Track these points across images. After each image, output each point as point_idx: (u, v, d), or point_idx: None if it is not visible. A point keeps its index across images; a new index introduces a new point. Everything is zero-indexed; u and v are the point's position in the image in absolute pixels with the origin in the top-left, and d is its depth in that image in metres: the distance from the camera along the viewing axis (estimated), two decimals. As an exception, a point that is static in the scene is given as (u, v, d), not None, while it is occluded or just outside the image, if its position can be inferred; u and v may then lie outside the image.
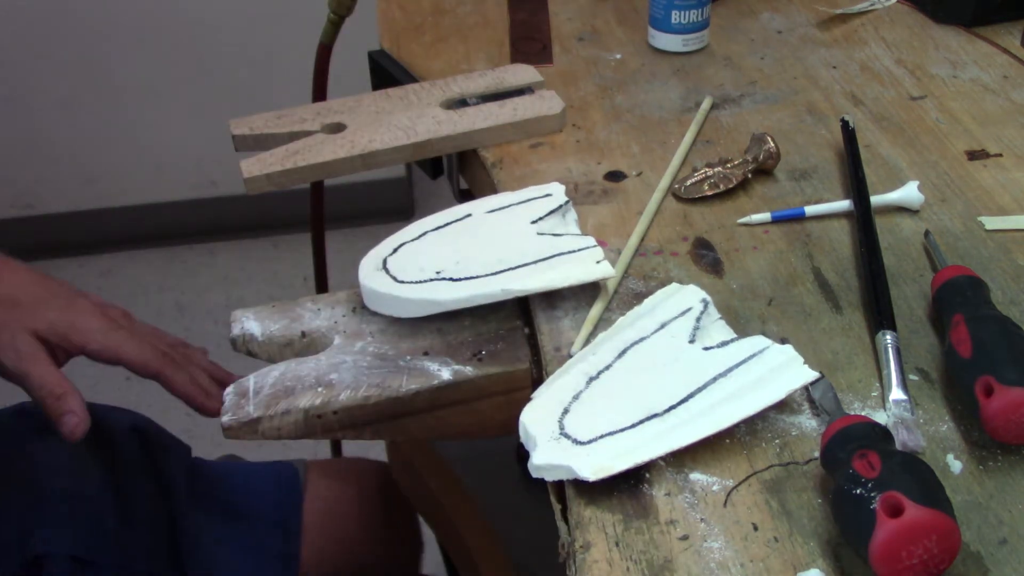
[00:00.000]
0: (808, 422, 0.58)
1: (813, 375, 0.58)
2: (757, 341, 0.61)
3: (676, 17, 0.96)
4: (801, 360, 0.59)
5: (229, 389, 0.65)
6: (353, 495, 1.01)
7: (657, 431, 0.56)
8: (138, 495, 0.85)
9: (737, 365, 0.59)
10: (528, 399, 0.59)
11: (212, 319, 2.15)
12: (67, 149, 2.18)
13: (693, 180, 0.78)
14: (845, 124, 0.82)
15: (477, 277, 0.66)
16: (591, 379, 0.59)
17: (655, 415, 0.56)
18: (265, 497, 0.95)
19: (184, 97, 2.15)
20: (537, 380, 0.65)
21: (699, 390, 0.58)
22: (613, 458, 0.54)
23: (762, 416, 0.58)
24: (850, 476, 0.49)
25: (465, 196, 0.95)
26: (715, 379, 0.58)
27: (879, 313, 0.64)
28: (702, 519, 0.53)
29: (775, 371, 0.58)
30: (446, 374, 0.64)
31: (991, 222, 0.73)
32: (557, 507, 0.56)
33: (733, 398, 0.57)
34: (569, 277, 0.66)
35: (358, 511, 1.00)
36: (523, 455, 0.57)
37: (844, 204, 0.75)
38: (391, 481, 1.06)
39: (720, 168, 0.78)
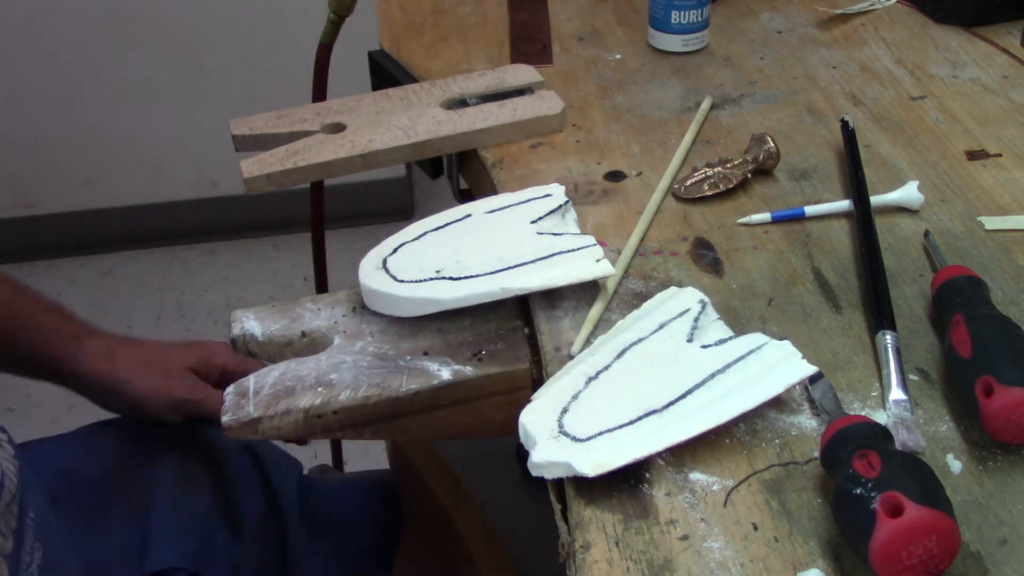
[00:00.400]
0: (808, 422, 0.58)
1: (811, 369, 0.58)
2: (755, 338, 0.61)
3: (676, 17, 0.96)
4: (799, 355, 0.59)
5: (229, 389, 0.65)
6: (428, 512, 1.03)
7: (656, 427, 0.56)
8: (249, 512, 0.87)
9: (735, 361, 0.59)
10: (528, 399, 0.59)
11: (212, 319, 2.15)
12: (67, 149, 2.18)
13: (693, 180, 0.78)
14: (845, 124, 0.82)
15: (477, 276, 0.66)
16: (590, 379, 0.59)
17: (654, 411, 0.57)
18: (372, 518, 0.97)
19: (184, 97, 2.15)
20: (537, 380, 0.65)
21: (697, 386, 0.58)
22: (612, 454, 0.54)
23: (762, 416, 0.58)
24: (850, 476, 0.49)
25: (465, 196, 0.95)
26: (713, 375, 0.58)
27: (879, 313, 0.64)
28: (702, 519, 0.53)
29: (773, 366, 0.58)
30: (446, 374, 0.64)
31: (991, 222, 0.73)
32: (557, 507, 0.56)
33: (732, 393, 0.57)
34: (569, 275, 0.66)
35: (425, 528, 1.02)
36: (523, 455, 0.57)
37: (844, 204, 0.75)
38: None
39: (720, 168, 0.78)
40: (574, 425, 0.56)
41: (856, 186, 0.75)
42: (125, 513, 0.81)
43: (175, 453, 0.86)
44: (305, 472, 1.00)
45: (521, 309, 0.69)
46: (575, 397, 0.58)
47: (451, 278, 0.66)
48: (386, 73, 0.99)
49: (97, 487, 0.82)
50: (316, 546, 0.91)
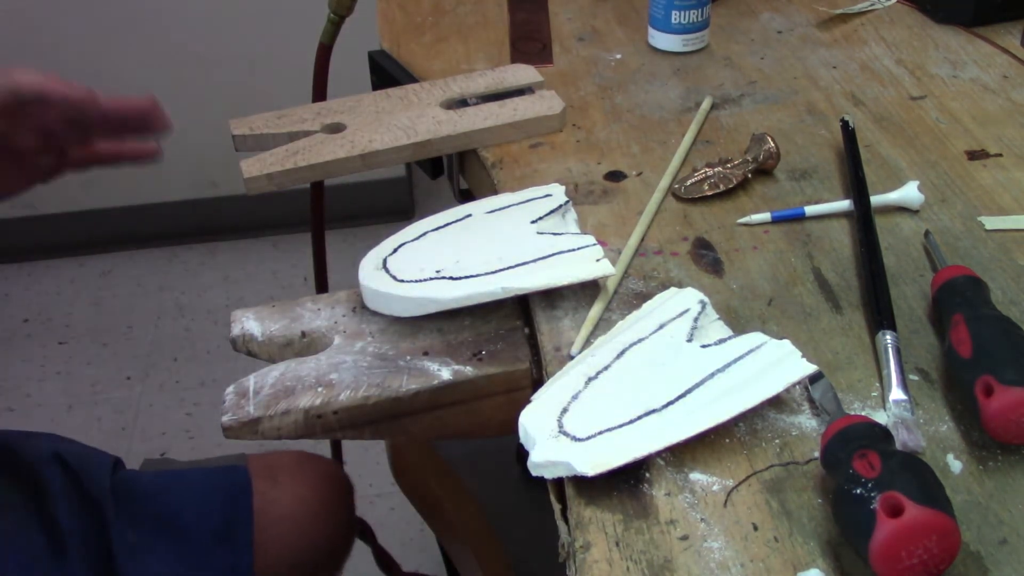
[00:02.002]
0: (808, 422, 0.58)
1: (811, 368, 0.58)
2: (755, 337, 0.61)
3: (676, 17, 0.96)
4: (799, 354, 0.59)
5: (229, 389, 0.65)
6: (303, 493, 0.96)
7: (656, 426, 0.56)
8: (68, 527, 0.82)
9: (735, 360, 0.59)
10: (528, 399, 0.59)
11: (212, 319, 2.15)
12: (67, 149, 2.18)
13: (693, 180, 0.78)
14: (845, 124, 0.82)
15: (477, 276, 0.66)
16: (590, 379, 0.59)
17: (653, 411, 0.57)
18: (207, 508, 0.89)
19: (184, 97, 2.15)
20: (537, 380, 0.65)
21: (697, 386, 0.58)
22: (612, 454, 0.54)
23: (762, 416, 0.58)
24: (850, 476, 0.49)
25: (465, 196, 0.95)
26: (713, 375, 0.58)
27: (879, 313, 0.64)
28: (702, 519, 0.53)
29: (773, 365, 0.58)
30: (446, 374, 0.64)
31: (991, 222, 0.73)
32: (557, 507, 0.56)
33: (731, 393, 0.57)
34: (569, 275, 0.66)
35: (309, 510, 0.95)
36: (523, 455, 0.57)
37: (844, 204, 0.75)
38: (330, 471, 1.02)
39: (720, 168, 0.78)
40: (574, 425, 0.56)
41: (856, 186, 0.75)
42: None
43: None
44: (138, 467, 0.94)
45: (521, 309, 0.69)
46: (575, 397, 0.58)
47: (451, 278, 0.67)
48: (386, 73, 0.99)
49: None
50: (145, 547, 0.85)
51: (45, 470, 0.84)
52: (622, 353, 0.61)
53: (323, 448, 1.80)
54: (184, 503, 0.90)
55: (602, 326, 0.65)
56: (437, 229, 0.72)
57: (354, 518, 1.05)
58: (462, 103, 0.88)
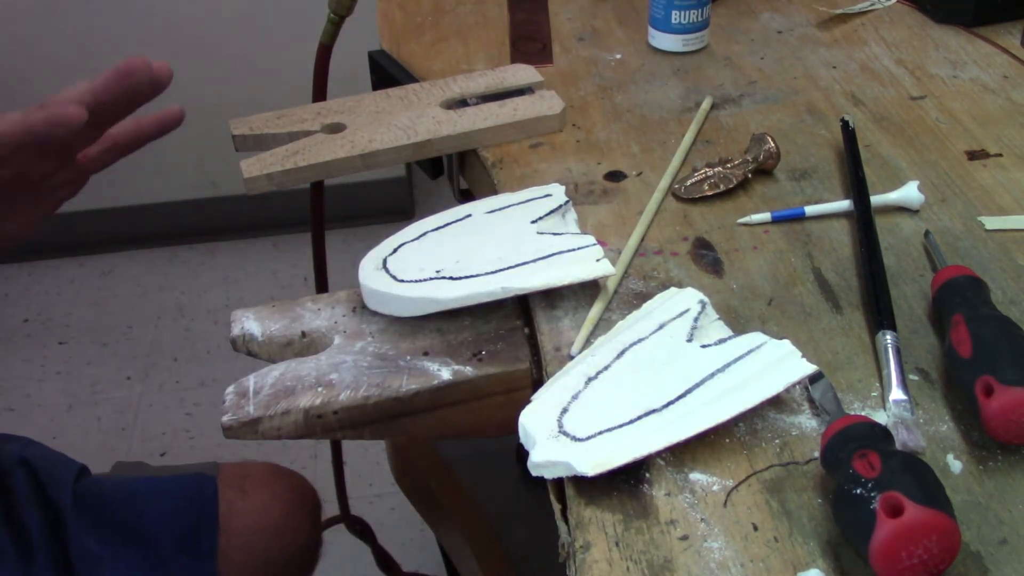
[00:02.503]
0: (808, 422, 0.58)
1: (811, 368, 0.58)
2: (755, 337, 0.61)
3: (676, 17, 0.96)
4: (799, 354, 0.59)
5: (229, 389, 0.65)
6: (270, 505, 0.95)
7: (655, 426, 0.56)
8: (32, 530, 0.82)
9: (735, 360, 0.59)
10: (528, 399, 0.59)
11: (212, 319, 2.15)
12: (67, 149, 2.18)
13: (693, 180, 0.78)
14: (845, 124, 0.82)
15: (477, 276, 0.66)
16: (590, 379, 0.59)
17: (653, 411, 0.57)
18: (171, 517, 0.89)
19: (184, 97, 2.15)
20: (537, 380, 0.65)
21: (697, 386, 0.58)
22: (612, 454, 0.54)
23: (762, 416, 0.58)
24: (850, 476, 0.49)
25: (465, 196, 0.95)
26: (713, 375, 0.58)
27: (879, 313, 0.64)
28: (702, 519, 0.53)
29: (773, 365, 0.59)
30: (446, 374, 0.64)
31: (991, 222, 0.73)
32: (557, 507, 0.56)
33: (731, 392, 0.57)
34: (569, 275, 0.66)
35: (275, 522, 0.95)
36: (523, 455, 0.57)
37: (844, 204, 0.75)
38: (299, 485, 1.01)
39: (720, 168, 0.78)
40: (574, 425, 0.56)
41: (856, 186, 0.75)
42: None
43: None
44: (108, 470, 0.93)
45: (521, 309, 0.69)
46: (575, 397, 0.58)
47: (451, 278, 0.67)
48: (386, 73, 0.99)
49: None
50: (103, 555, 0.84)
51: (13, 472, 0.84)
52: (622, 353, 0.61)
53: (323, 448, 1.80)
54: (148, 511, 0.89)
55: (602, 326, 0.65)
56: (437, 229, 0.72)
57: (320, 533, 1.04)
58: (462, 103, 0.88)
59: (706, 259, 0.71)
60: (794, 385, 0.59)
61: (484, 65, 0.97)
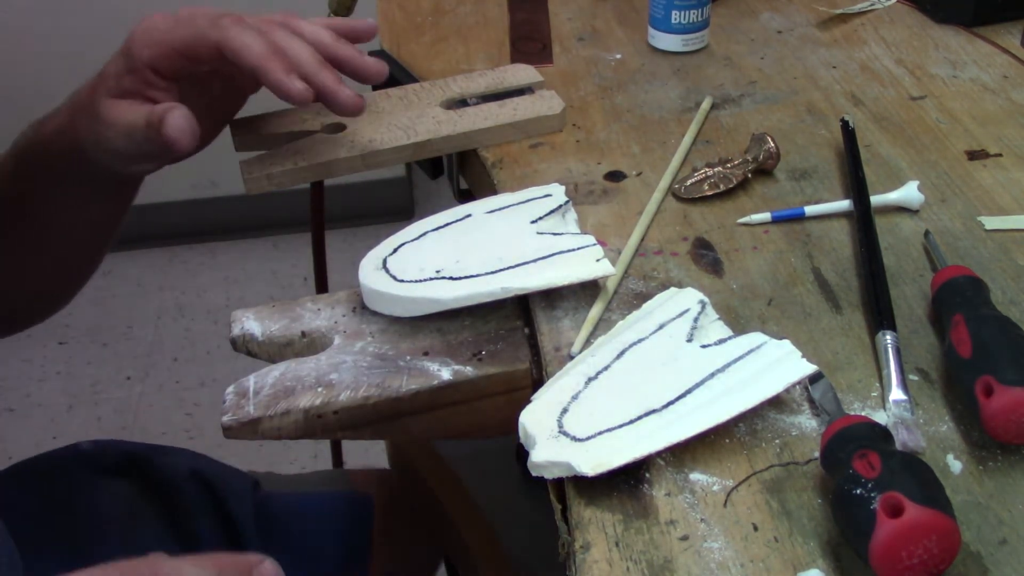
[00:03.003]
0: (808, 422, 0.58)
1: (811, 368, 0.58)
2: (755, 337, 0.61)
3: (676, 17, 0.96)
4: (799, 354, 0.59)
5: (229, 389, 0.65)
6: (402, 511, 0.99)
7: (656, 426, 0.56)
8: (204, 542, 0.82)
9: (735, 360, 0.59)
10: (528, 399, 0.59)
11: (212, 319, 2.15)
12: (67, 149, 2.18)
13: (693, 180, 0.78)
14: (845, 124, 0.82)
15: (477, 276, 0.66)
16: (590, 379, 0.59)
17: (653, 411, 0.57)
18: (338, 535, 0.91)
19: (184, 97, 2.14)
20: (537, 380, 0.65)
21: (697, 386, 0.58)
22: (612, 454, 0.54)
23: (762, 416, 0.58)
24: (850, 476, 0.49)
25: (465, 196, 0.95)
26: (713, 375, 0.58)
27: (879, 313, 0.64)
28: (702, 519, 0.53)
29: (773, 365, 0.58)
30: (446, 374, 0.64)
31: (991, 222, 0.73)
32: (557, 507, 0.56)
33: (731, 392, 0.57)
34: (569, 275, 0.66)
35: (409, 530, 0.98)
36: (523, 455, 0.57)
37: (844, 204, 0.75)
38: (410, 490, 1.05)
39: (720, 168, 0.78)
40: (574, 425, 0.56)
41: (856, 186, 0.75)
42: (65, 550, 0.75)
43: (120, 486, 0.81)
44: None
45: (521, 309, 0.69)
46: (575, 397, 0.58)
47: (451, 278, 0.67)
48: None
49: (35, 522, 0.76)
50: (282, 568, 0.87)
51: (182, 487, 0.84)
52: (622, 353, 0.61)
53: (323, 448, 1.80)
54: (313, 529, 0.91)
55: (602, 326, 0.65)
56: (437, 229, 0.72)
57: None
58: (462, 103, 0.88)
59: (706, 259, 0.71)
60: (794, 385, 0.59)
61: (484, 65, 0.97)
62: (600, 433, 0.55)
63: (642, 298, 0.67)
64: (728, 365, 0.59)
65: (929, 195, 0.75)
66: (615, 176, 0.81)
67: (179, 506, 0.84)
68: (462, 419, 0.66)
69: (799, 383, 0.59)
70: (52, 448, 0.88)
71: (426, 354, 0.66)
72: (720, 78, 0.94)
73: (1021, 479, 0.54)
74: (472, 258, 0.68)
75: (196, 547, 0.81)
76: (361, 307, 0.70)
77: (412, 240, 0.71)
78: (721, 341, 0.61)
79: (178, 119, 0.66)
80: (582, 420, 0.57)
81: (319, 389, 0.64)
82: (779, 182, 0.79)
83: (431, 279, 0.67)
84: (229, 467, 0.91)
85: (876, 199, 0.74)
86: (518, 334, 0.67)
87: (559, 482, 0.56)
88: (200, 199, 2.29)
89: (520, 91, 0.90)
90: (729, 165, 0.78)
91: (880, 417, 0.58)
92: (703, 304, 0.64)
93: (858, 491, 0.48)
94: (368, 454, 1.78)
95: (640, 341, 0.62)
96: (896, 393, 0.58)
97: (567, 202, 0.73)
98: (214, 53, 0.67)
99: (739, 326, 0.65)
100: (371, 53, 1.01)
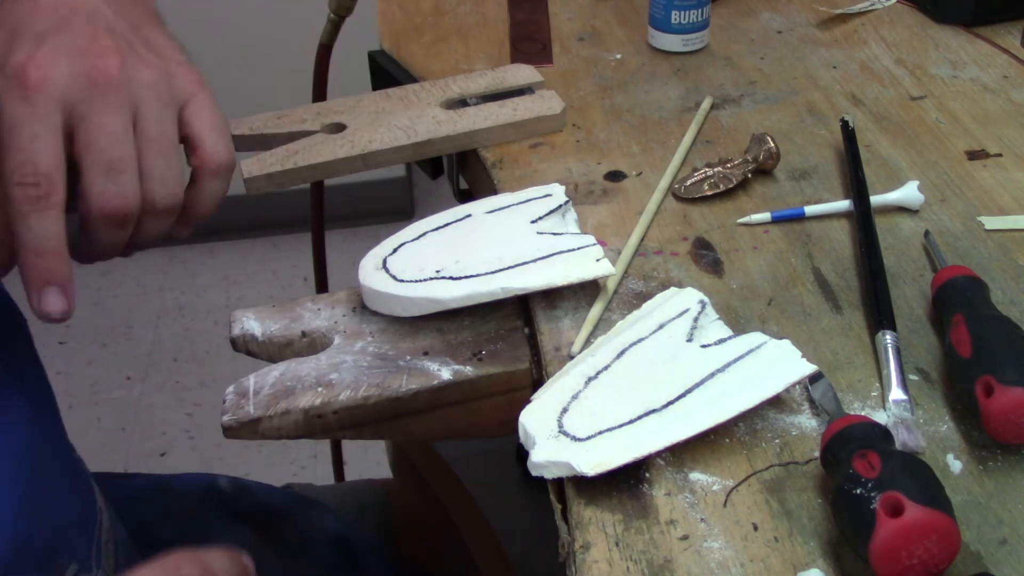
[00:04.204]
0: (808, 422, 0.58)
1: (811, 368, 0.58)
2: (755, 337, 0.61)
3: (676, 17, 0.96)
4: (799, 354, 0.59)
5: (229, 389, 0.65)
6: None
7: (656, 426, 0.56)
8: None
9: (735, 360, 0.59)
10: (528, 399, 0.59)
11: (212, 319, 2.15)
12: (67, 149, 2.18)
13: (693, 180, 0.78)
14: (845, 124, 0.82)
15: (477, 276, 0.66)
16: (590, 379, 0.59)
17: (653, 411, 0.57)
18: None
19: (184, 97, 2.15)
20: (537, 380, 0.65)
21: (697, 386, 0.58)
22: (612, 453, 0.54)
23: (762, 416, 0.58)
24: (850, 476, 0.49)
25: (465, 196, 0.95)
26: (713, 375, 0.58)
27: (879, 313, 0.64)
28: (702, 519, 0.53)
29: (773, 365, 0.58)
30: (446, 374, 0.64)
31: (991, 222, 0.73)
32: (557, 507, 0.56)
33: (731, 392, 0.57)
34: (569, 275, 0.66)
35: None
36: (523, 455, 0.57)
37: (844, 204, 0.75)
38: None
39: (720, 168, 0.78)
40: (574, 425, 0.56)
41: (856, 186, 0.75)
42: None
43: (254, 538, 0.80)
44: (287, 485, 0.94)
45: (521, 309, 0.69)
46: (575, 397, 0.58)
47: (451, 278, 0.67)
48: (386, 73, 0.99)
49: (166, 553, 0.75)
50: None
51: (322, 550, 0.84)
52: (622, 353, 0.61)
53: (323, 448, 1.80)
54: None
55: (602, 326, 0.65)
56: (437, 229, 0.72)
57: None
58: (462, 103, 0.88)
59: (706, 259, 0.71)
60: (794, 385, 0.59)
61: (484, 65, 0.97)
62: (600, 433, 0.55)
63: (642, 298, 0.67)
64: (728, 365, 0.59)
65: (929, 195, 0.75)
66: (615, 176, 0.81)
67: (310, 566, 0.82)
68: (462, 419, 0.66)
69: (799, 383, 0.59)
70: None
71: (426, 354, 0.66)
72: (720, 78, 0.94)
73: (1021, 479, 0.54)
74: (472, 258, 0.68)
75: None
76: (361, 307, 0.70)
77: (412, 240, 0.71)
78: (721, 341, 0.61)
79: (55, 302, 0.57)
80: (582, 420, 0.57)
81: (319, 389, 0.64)
82: (779, 182, 0.79)
83: (431, 279, 0.67)
84: (373, 537, 0.90)
85: (876, 199, 0.74)
86: (518, 334, 0.67)
87: (559, 482, 0.56)
88: (200, 199, 2.29)
89: (520, 91, 0.90)
90: (729, 165, 0.78)
91: (880, 417, 0.58)
92: (703, 304, 0.64)
93: (858, 491, 0.48)
94: (368, 454, 1.78)
95: (640, 341, 0.62)
96: (896, 393, 0.58)
97: (567, 202, 0.73)
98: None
99: (739, 326, 0.65)
100: (371, 53, 1.01)
